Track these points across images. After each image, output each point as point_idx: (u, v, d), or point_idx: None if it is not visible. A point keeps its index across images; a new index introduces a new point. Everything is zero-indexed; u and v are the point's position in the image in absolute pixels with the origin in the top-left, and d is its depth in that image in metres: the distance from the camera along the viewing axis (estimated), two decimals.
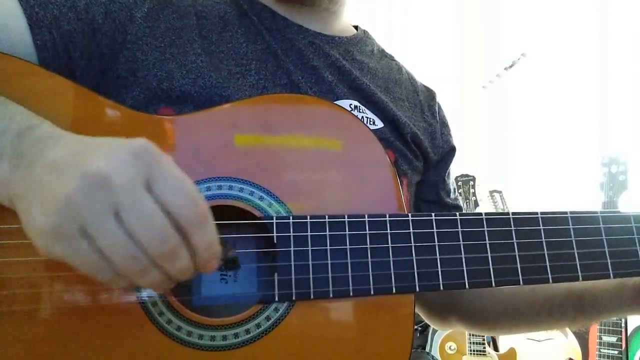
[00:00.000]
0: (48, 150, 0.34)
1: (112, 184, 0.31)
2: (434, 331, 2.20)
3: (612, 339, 1.70)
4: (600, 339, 1.73)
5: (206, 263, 0.35)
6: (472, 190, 2.19)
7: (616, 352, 1.69)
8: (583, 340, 1.99)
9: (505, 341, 2.10)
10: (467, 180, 2.18)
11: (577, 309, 0.59)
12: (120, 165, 0.31)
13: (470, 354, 2.04)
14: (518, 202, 2.56)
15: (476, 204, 2.20)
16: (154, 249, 0.32)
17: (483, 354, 2.02)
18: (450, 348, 2.12)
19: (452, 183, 0.73)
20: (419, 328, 2.20)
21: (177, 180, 0.33)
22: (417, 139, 0.63)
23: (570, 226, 0.49)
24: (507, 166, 2.87)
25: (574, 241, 0.49)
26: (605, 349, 1.71)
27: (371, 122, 0.60)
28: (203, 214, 0.34)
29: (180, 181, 0.33)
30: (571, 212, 0.49)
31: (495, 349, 2.12)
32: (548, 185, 2.56)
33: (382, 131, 0.60)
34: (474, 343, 2.04)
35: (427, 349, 2.18)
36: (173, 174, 0.33)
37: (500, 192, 2.50)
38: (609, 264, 0.49)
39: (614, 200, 1.67)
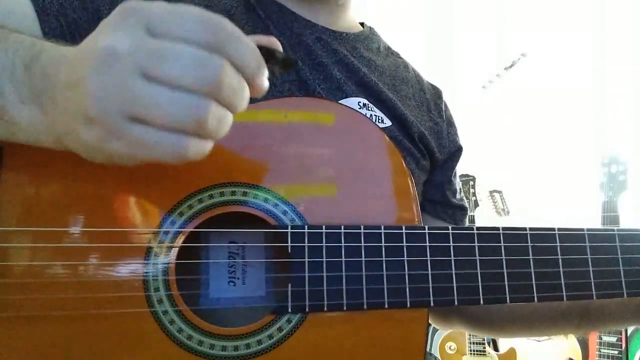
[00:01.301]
0: (58, 75, 0.32)
1: (119, 53, 0.28)
2: (434, 331, 2.20)
3: (612, 339, 1.71)
4: (600, 339, 1.74)
5: (257, 70, 0.31)
6: (472, 190, 2.19)
7: (616, 352, 1.69)
8: (583, 340, 2.00)
9: (505, 341, 2.11)
10: (467, 180, 2.18)
11: (582, 318, 0.59)
12: (115, 34, 0.29)
13: (470, 354, 2.05)
14: (518, 202, 2.57)
15: (476, 204, 2.20)
16: (198, 81, 0.29)
17: (483, 354, 2.03)
18: (450, 348, 2.12)
19: (457, 183, 0.72)
20: None
21: (174, 10, 0.30)
22: (424, 138, 0.63)
23: (587, 244, 0.49)
24: (507, 166, 2.87)
25: (589, 259, 0.48)
26: (605, 349, 1.72)
27: (379, 121, 0.59)
28: (220, 26, 0.30)
29: (180, 14, 0.29)
30: (588, 230, 0.49)
31: (495, 349, 2.12)
32: (548, 185, 2.56)
33: (390, 130, 0.59)
34: (474, 343, 2.05)
35: (427, 349, 2.18)
36: (169, 11, 0.29)
37: (500, 192, 2.50)
38: (623, 282, 0.49)
39: (614, 200, 1.67)
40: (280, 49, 0.36)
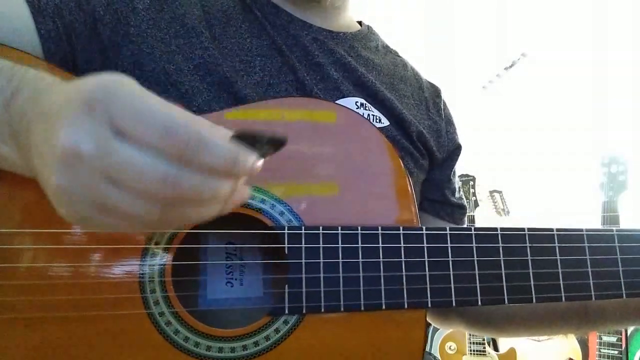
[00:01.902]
0: (31, 122, 0.32)
1: (83, 154, 0.28)
2: (434, 331, 2.20)
3: (612, 339, 1.71)
4: (600, 339, 1.74)
5: (232, 170, 0.31)
6: (472, 190, 2.19)
7: (616, 352, 1.69)
8: (583, 340, 2.00)
9: (505, 341, 2.11)
10: (467, 180, 2.18)
11: (581, 318, 0.59)
12: (78, 129, 0.28)
13: (470, 354, 2.05)
14: (518, 202, 2.57)
15: (476, 204, 2.20)
16: (160, 193, 0.29)
17: (483, 354, 2.03)
18: (450, 348, 2.12)
19: (456, 182, 0.72)
20: None
21: (141, 113, 0.29)
22: (422, 137, 0.63)
23: (586, 244, 0.49)
24: (507, 166, 2.87)
25: (588, 260, 0.48)
26: (605, 349, 1.72)
27: (377, 120, 0.59)
28: (185, 134, 0.29)
29: (146, 117, 0.28)
30: (587, 230, 0.49)
31: (495, 349, 2.12)
32: (548, 185, 2.56)
33: (388, 129, 0.59)
34: (474, 343, 2.05)
35: (427, 349, 2.18)
36: (134, 108, 0.29)
37: (500, 192, 2.51)
38: (622, 283, 0.49)
39: (614, 200, 1.67)
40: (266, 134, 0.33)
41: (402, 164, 0.49)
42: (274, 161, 0.46)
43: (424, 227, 0.46)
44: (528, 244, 0.47)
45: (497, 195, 2.50)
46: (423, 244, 0.45)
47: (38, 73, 0.36)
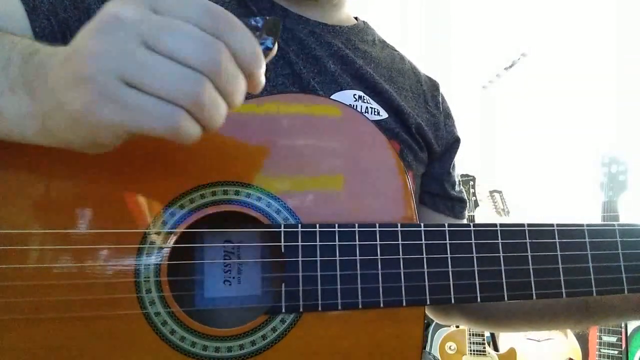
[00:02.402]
0: (54, 62, 0.32)
1: (125, 19, 0.28)
2: (434, 331, 2.20)
3: (612, 339, 1.70)
4: (600, 339, 1.73)
5: (255, 62, 0.32)
6: (472, 190, 2.19)
7: (616, 352, 1.69)
8: (583, 340, 1.99)
9: (505, 341, 2.11)
10: (467, 180, 2.18)
11: (582, 312, 0.59)
12: (122, 6, 0.29)
13: (470, 354, 2.04)
14: (518, 202, 2.56)
15: (476, 204, 2.20)
16: (199, 58, 0.29)
17: (483, 354, 2.02)
18: (450, 348, 2.12)
19: (456, 175, 0.72)
20: None
21: None
22: (421, 130, 0.63)
23: (587, 239, 0.48)
24: (507, 166, 2.87)
25: (589, 255, 0.48)
26: (605, 349, 1.71)
27: (376, 113, 0.59)
28: (223, 15, 0.30)
29: None
30: (587, 225, 0.48)
31: (495, 349, 2.12)
32: (548, 185, 2.56)
33: (386, 122, 0.59)
34: (474, 343, 2.04)
35: (427, 349, 2.18)
36: None
37: (500, 192, 2.50)
38: (624, 278, 0.48)
39: (614, 200, 1.67)
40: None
41: (399, 159, 0.48)
42: (271, 159, 0.46)
43: (422, 224, 0.45)
44: (528, 240, 0.47)
45: (497, 195, 2.50)
46: (421, 240, 0.45)
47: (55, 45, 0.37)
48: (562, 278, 0.47)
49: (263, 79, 0.34)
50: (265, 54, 0.34)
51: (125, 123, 0.29)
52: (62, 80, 0.31)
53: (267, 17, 0.34)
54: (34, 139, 0.35)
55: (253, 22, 0.33)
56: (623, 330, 1.69)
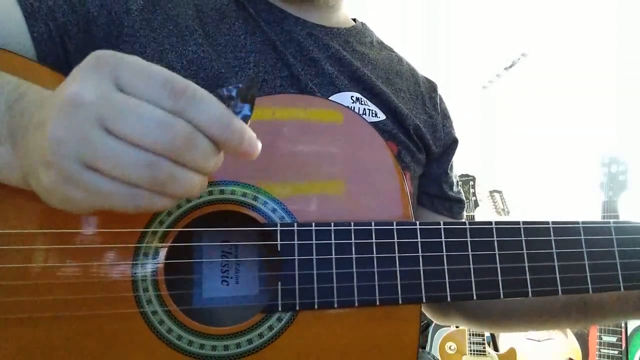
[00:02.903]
0: (33, 115, 0.33)
1: (84, 101, 0.28)
2: (434, 331, 2.19)
3: (612, 339, 1.70)
4: (600, 339, 1.73)
5: (224, 130, 0.31)
6: (472, 190, 2.19)
7: (616, 352, 1.69)
8: (583, 340, 1.99)
9: (505, 341, 2.10)
10: (467, 180, 2.18)
11: (580, 311, 0.59)
12: (83, 81, 0.29)
13: (470, 354, 2.04)
14: (518, 202, 2.56)
15: (476, 204, 2.20)
16: (160, 142, 0.29)
17: (483, 354, 2.02)
18: (450, 348, 2.12)
19: (454, 176, 0.72)
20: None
21: (144, 69, 0.30)
22: (419, 131, 0.63)
23: (582, 237, 0.48)
24: (507, 166, 2.87)
25: (585, 252, 0.48)
26: (605, 349, 1.71)
27: (373, 114, 0.59)
28: (184, 90, 0.30)
29: (148, 74, 0.30)
30: (583, 222, 0.48)
31: (495, 349, 2.12)
32: (548, 185, 2.56)
33: (384, 123, 0.59)
34: (474, 343, 2.04)
35: (427, 349, 2.17)
36: (138, 66, 0.30)
37: (500, 192, 2.50)
38: (620, 275, 0.48)
39: (614, 200, 1.67)
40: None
41: (396, 159, 0.48)
42: (267, 159, 0.46)
43: (417, 222, 0.45)
44: (523, 238, 0.47)
45: (497, 195, 2.50)
46: (417, 238, 0.45)
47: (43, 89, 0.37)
48: (557, 275, 0.47)
49: (254, 143, 0.33)
50: (246, 121, 0.33)
51: (91, 203, 0.31)
52: (35, 153, 0.31)
53: (241, 85, 0.33)
54: (22, 185, 0.36)
55: (226, 92, 0.33)
56: (623, 330, 1.69)
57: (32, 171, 0.33)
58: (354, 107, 0.57)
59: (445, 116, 0.70)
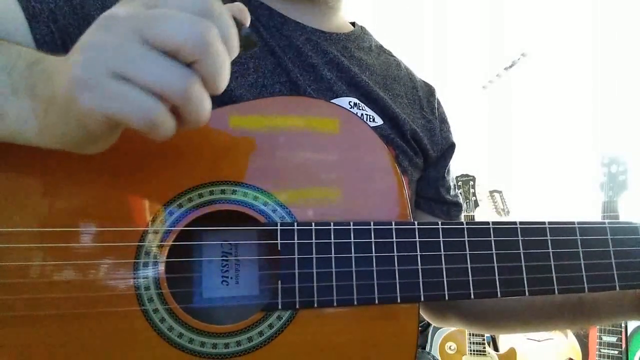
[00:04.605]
0: (56, 67, 0.34)
1: (119, 17, 0.30)
2: (434, 331, 2.20)
3: (612, 339, 1.70)
4: (600, 339, 1.73)
5: (234, 49, 0.33)
6: (472, 190, 2.19)
7: (616, 352, 1.69)
8: (583, 340, 1.99)
9: (505, 341, 2.11)
10: (467, 180, 2.18)
11: (576, 312, 0.59)
12: (116, 7, 0.30)
13: (470, 354, 2.04)
14: (518, 202, 2.56)
15: (476, 204, 2.20)
16: (190, 39, 0.29)
17: (483, 354, 2.02)
18: (450, 348, 2.12)
19: (452, 180, 0.72)
20: (419, 328, 2.20)
21: None
22: (416, 136, 0.63)
23: (578, 237, 0.49)
24: (507, 166, 2.87)
25: (581, 252, 0.48)
26: (605, 349, 1.71)
27: (371, 120, 0.59)
28: (211, 2, 0.31)
29: None
30: (579, 223, 0.49)
31: (495, 349, 2.12)
32: (548, 185, 2.56)
33: (381, 128, 0.60)
34: (474, 343, 2.04)
35: (427, 349, 2.18)
36: None
37: (500, 192, 2.50)
38: (615, 275, 0.49)
39: (614, 200, 1.66)
40: (248, 22, 0.37)
41: (395, 162, 0.49)
42: (268, 160, 0.46)
43: (415, 222, 0.46)
44: (520, 238, 0.47)
45: (497, 195, 2.50)
46: (415, 238, 0.45)
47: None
48: (554, 275, 0.47)
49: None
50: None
51: (102, 111, 0.30)
52: (60, 71, 0.32)
53: (250, 32, 0.35)
54: (34, 140, 0.36)
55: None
56: (623, 330, 1.69)
57: (53, 92, 0.33)
58: None
59: (443, 120, 0.71)
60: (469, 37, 2.63)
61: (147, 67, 0.29)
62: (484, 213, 2.34)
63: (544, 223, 0.48)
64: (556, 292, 0.47)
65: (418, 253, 0.45)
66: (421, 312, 0.72)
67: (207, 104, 0.32)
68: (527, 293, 0.46)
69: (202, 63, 0.30)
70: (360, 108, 0.59)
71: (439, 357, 2.12)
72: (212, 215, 0.44)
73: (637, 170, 1.70)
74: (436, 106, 0.70)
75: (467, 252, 0.46)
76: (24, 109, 0.35)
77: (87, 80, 0.29)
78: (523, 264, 0.47)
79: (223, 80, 0.32)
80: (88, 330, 0.40)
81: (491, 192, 2.49)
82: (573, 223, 0.49)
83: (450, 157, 0.71)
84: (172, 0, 0.30)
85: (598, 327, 1.73)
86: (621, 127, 2.29)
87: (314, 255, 0.43)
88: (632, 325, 1.84)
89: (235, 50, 0.33)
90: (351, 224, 0.45)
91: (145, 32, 0.29)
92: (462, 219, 0.73)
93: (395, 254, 0.45)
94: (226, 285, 0.49)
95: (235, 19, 0.34)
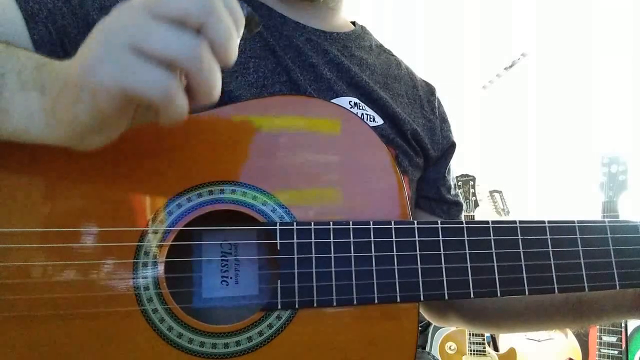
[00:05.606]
0: (68, 67, 0.35)
1: (132, 3, 0.31)
2: (434, 331, 2.20)
3: (612, 339, 1.70)
4: (600, 339, 1.73)
5: (239, 23, 0.34)
6: (472, 190, 2.19)
7: (616, 352, 1.69)
8: (583, 340, 1.99)
9: (505, 341, 2.11)
10: (467, 180, 2.18)
11: (576, 311, 0.59)
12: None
13: (470, 354, 2.04)
14: (518, 202, 2.56)
15: (476, 204, 2.20)
16: (199, 8, 0.31)
17: (483, 354, 2.02)
18: (450, 348, 2.12)
19: (452, 179, 0.72)
20: (419, 328, 2.20)
21: None
22: (417, 136, 0.63)
23: (578, 236, 0.49)
24: (507, 166, 2.87)
25: (580, 251, 0.48)
26: (605, 349, 1.71)
27: (371, 119, 0.59)
28: None
29: None
30: (578, 222, 0.49)
31: (495, 349, 2.12)
32: (548, 185, 2.56)
33: (382, 128, 0.60)
34: (474, 343, 2.04)
35: (427, 349, 2.18)
36: None
37: (500, 192, 2.50)
38: (615, 274, 0.49)
39: (614, 200, 1.66)
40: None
41: (394, 161, 0.49)
42: (267, 159, 0.46)
43: (415, 221, 0.46)
44: (520, 237, 0.47)
45: (497, 195, 2.50)
46: (415, 237, 0.45)
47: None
48: (554, 274, 0.47)
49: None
50: None
51: (120, 85, 0.31)
52: (71, 66, 0.34)
53: (252, 12, 0.36)
54: (38, 135, 0.36)
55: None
56: (623, 330, 1.69)
57: (68, 75, 0.33)
58: None
59: (444, 120, 0.71)
60: (469, 37, 2.63)
61: (160, 37, 0.30)
62: (484, 213, 2.34)
63: (543, 222, 0.48)
64: (556, 291, 0.47)
65: (417, 252, 0.45)
66: (421, 312, 0.72)
67: (218, 75, 0.33)
68: (527, 292, 0.46)
69: (208, 26, 0.31)
70: (361, 108, 0.59)
71: (439, 357, 2.12)
72: (211, 215, 0.44)
73: (637, 170, 1.70)
74: (436, 105, 0.70)
75: (467, 251, 0.46)
76: (31, 102, 0.35)
77: (107, 55, 0.31)
78: (523, 263, 0.47)
79: (231, 48, 0.33)
80: (87, 330, 0.40)
81: (491, 192, 2.49)
82: (573, 222, 0.49)
83: (451, 156, 0.71)
84: None
85: (598, 327, 1.73)
86: (621, 127, 2.29)
87: (313, 255, 0.43)
88: (632, 325, 1.84)
89: (241, 23, 0.34)
90: (350, 223, 0.45)
91: (154, 8, 0.31)
92: (463, 218, 0.73)
93: (395, 253, 0.45)
94: (225, 285, 0.49)
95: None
